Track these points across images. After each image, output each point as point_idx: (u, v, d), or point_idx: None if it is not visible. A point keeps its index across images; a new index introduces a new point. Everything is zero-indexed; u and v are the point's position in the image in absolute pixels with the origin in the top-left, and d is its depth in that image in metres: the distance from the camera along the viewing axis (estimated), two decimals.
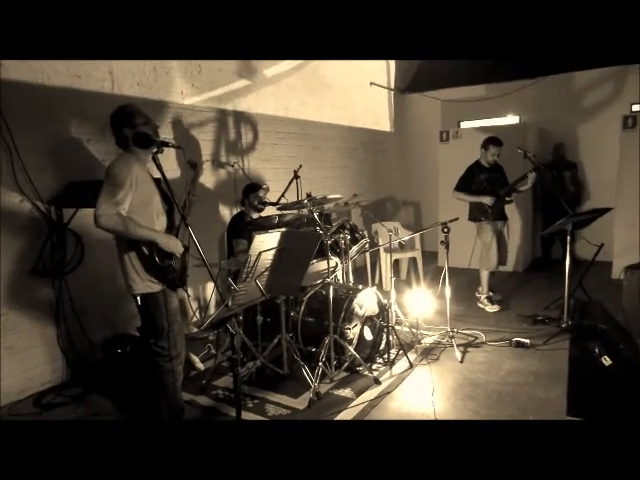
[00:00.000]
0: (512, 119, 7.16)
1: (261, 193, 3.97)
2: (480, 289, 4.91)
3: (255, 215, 3.97)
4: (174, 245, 2.45)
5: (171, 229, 2.56)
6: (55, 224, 3.32)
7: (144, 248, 2.39)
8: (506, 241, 4.92)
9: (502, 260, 4.87)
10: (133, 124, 2.45)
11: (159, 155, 2.49)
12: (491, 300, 4.84)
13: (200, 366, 3.65)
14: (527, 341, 3.81)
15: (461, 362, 3.57)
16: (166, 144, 2.43)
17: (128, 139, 2.45)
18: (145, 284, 2.45)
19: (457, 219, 3.83)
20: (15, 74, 3.14)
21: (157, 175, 2.46)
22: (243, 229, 3.72)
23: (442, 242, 3.81)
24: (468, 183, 4.73)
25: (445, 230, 3.77)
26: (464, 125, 7.44)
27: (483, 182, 4.71)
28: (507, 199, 4.78)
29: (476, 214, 4.74)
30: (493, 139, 4.71)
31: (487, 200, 4.61)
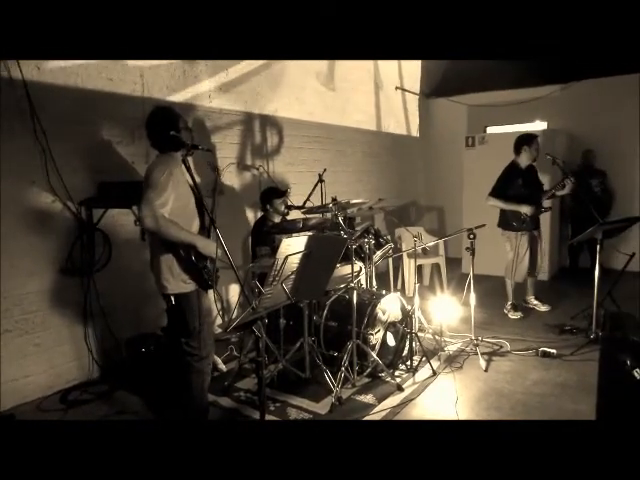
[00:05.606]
0: (540, 125, 7.04)
1: (286, 198, 3.98)
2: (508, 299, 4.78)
3: (278, 219, 3.98)
4: (212, 249, 2.46)
5: (202, 230, 2.58)
6: (85, 224, 3.39)
7: (181, 250, 2.42)
8: (541, 250, 4.73)
9: (534, 270, 4.72)
10: (177, 127, 2.49)
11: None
12: (515, 307, 4.75)
13: (222, 367, 3.67)
14: (554, 351, 3.73)
15: (485, 371, 3.51)
16: (196, 147, 2.46)
17: (169, 141, 2.47)
18: (179, 284, 2.48)
19: (484, 225, 3.77)
20: (50, 77, 3.22)
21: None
22: (266, 235, 3.74)
23: (467, 248, 3.76)
24: (505, 189, 4.48)
25: (471, 236, 3.72)
26: (490, 130, 7.35)
27: (520, 187, 4.47)
28: (544, 207, 4.56)
29: (511, 223, 4.50)
30: (531, 135, 4.56)
31: (527, 210, 4.38)
